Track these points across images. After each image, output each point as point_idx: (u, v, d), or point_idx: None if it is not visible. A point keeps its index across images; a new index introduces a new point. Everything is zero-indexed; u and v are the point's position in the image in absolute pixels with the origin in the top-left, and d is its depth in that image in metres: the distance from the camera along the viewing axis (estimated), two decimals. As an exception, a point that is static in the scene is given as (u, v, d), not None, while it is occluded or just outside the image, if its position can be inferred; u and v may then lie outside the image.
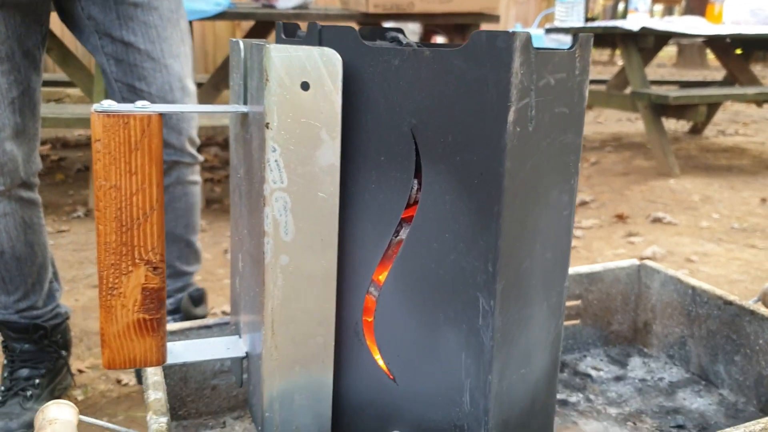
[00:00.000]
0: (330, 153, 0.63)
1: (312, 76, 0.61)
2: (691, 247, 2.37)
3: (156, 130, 0.61)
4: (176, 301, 1.46)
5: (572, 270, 1.12)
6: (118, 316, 0.65)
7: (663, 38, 3.85)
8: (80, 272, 2.07)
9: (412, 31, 4.37)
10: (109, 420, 1.31)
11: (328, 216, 0.65)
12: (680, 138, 4.47)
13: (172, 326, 0.94)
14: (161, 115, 0.62)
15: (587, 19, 3.62)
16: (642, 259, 1.18)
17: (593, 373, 1.10)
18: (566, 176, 0.70)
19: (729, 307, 1.03)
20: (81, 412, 0.67)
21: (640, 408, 1.00)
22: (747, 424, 0.74)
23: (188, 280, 1.47)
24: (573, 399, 1.02)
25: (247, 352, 0.76)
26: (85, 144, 3.94)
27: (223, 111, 0.70)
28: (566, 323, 1.13)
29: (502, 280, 0.65)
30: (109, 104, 0.61)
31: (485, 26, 3.46)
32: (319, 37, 0.66)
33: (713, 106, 4.17)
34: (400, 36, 0.73)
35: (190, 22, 2.51)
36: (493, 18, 3.22)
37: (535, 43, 0.62)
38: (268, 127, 0.61)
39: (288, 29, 0.74)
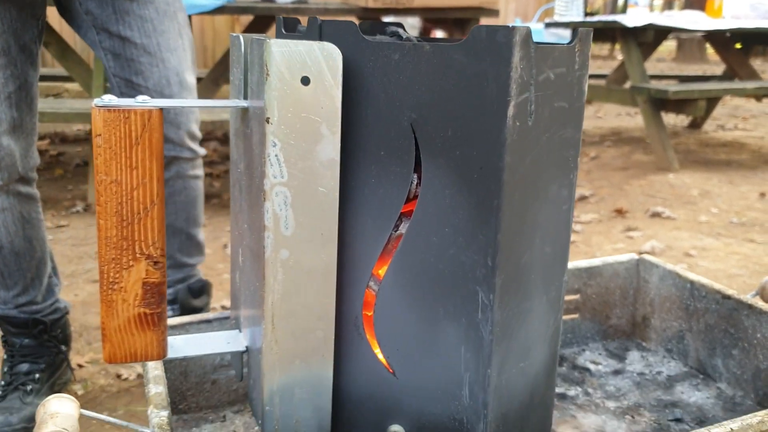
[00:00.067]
0: (330, 148, 0.63)
1: (312, 70, 0.61)
2: (690, 241, 2.37)
3: (156, 124, 0.62)
4: (174, 292, 1.46)
5: (571, 264, 1.12)
6: (119, 311, 0.65)
7: (662, 33, 3.85)
8: (79, 267, 2.07)
9: (412, 25, 4.36)
10: (110, 414, 1.31)
11: (328, 210, 0.65)
12: (679, 132, 4.47)
13: (172, 321, 0.94)
14: (162, 109, 0.62)
15: (587, 14, 3.62)
16: (641, 253, 1.18)
17: (592, 366, 1.11)
18: (566, 171, 0.70)
19: (727, 301, 1.03)
20: (81, 407, 0.67)
21: (638, 401, 1.01)
22: (744, 417, 0.74)
23: (190, 272, 1.48)
24: (572, 393, 1.03)
25: (247, 347, 0.76)
26: (84, 139, 3.93)
27: (224, 106, 0.70)
28: (565, 317, 1.13)
29: (502, 275, 0.65)
30: (109, 99, 0.61)
31: (484, 21, 3.46)
32: (319, 31, 0.66)
33: (713, 101, 4.17)
34: (400, 31, 0.73)
35: (189, 17, 2.50)
36: (493, 12, 3.22)
37: (535, 38, 0.62)
38: (268, 122, 0.61)
39: (288, 24, 0.75)
